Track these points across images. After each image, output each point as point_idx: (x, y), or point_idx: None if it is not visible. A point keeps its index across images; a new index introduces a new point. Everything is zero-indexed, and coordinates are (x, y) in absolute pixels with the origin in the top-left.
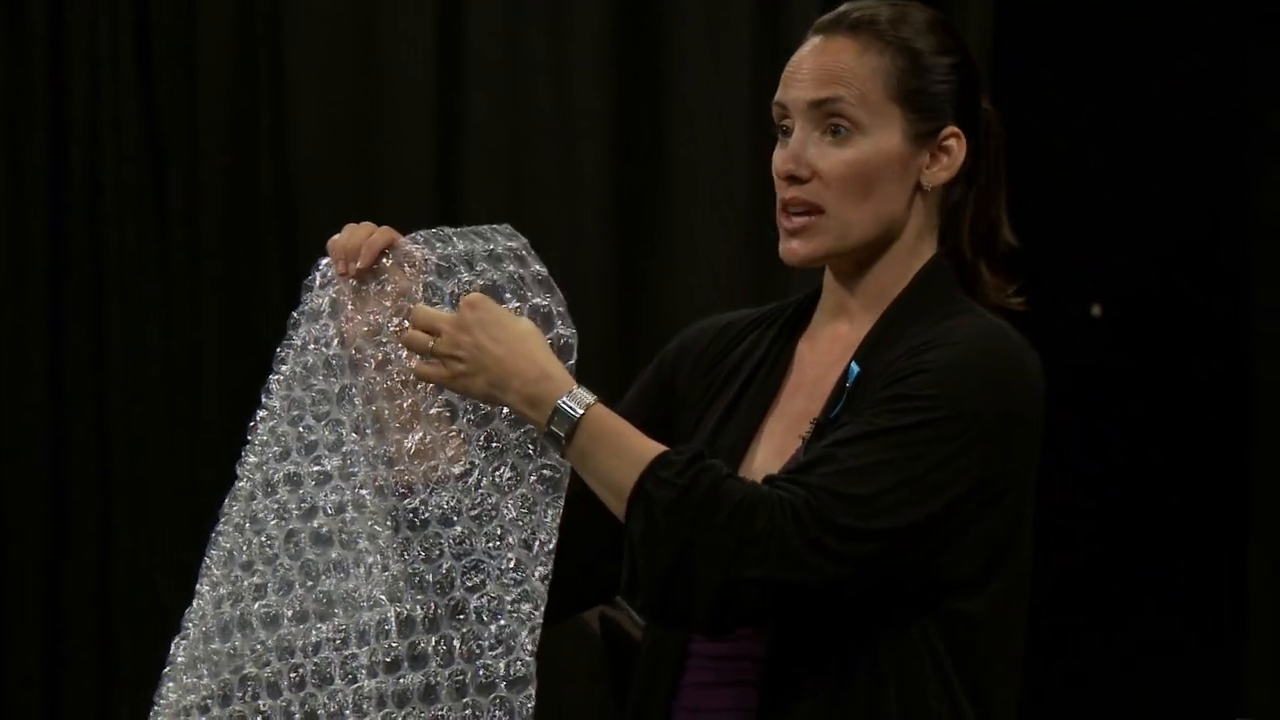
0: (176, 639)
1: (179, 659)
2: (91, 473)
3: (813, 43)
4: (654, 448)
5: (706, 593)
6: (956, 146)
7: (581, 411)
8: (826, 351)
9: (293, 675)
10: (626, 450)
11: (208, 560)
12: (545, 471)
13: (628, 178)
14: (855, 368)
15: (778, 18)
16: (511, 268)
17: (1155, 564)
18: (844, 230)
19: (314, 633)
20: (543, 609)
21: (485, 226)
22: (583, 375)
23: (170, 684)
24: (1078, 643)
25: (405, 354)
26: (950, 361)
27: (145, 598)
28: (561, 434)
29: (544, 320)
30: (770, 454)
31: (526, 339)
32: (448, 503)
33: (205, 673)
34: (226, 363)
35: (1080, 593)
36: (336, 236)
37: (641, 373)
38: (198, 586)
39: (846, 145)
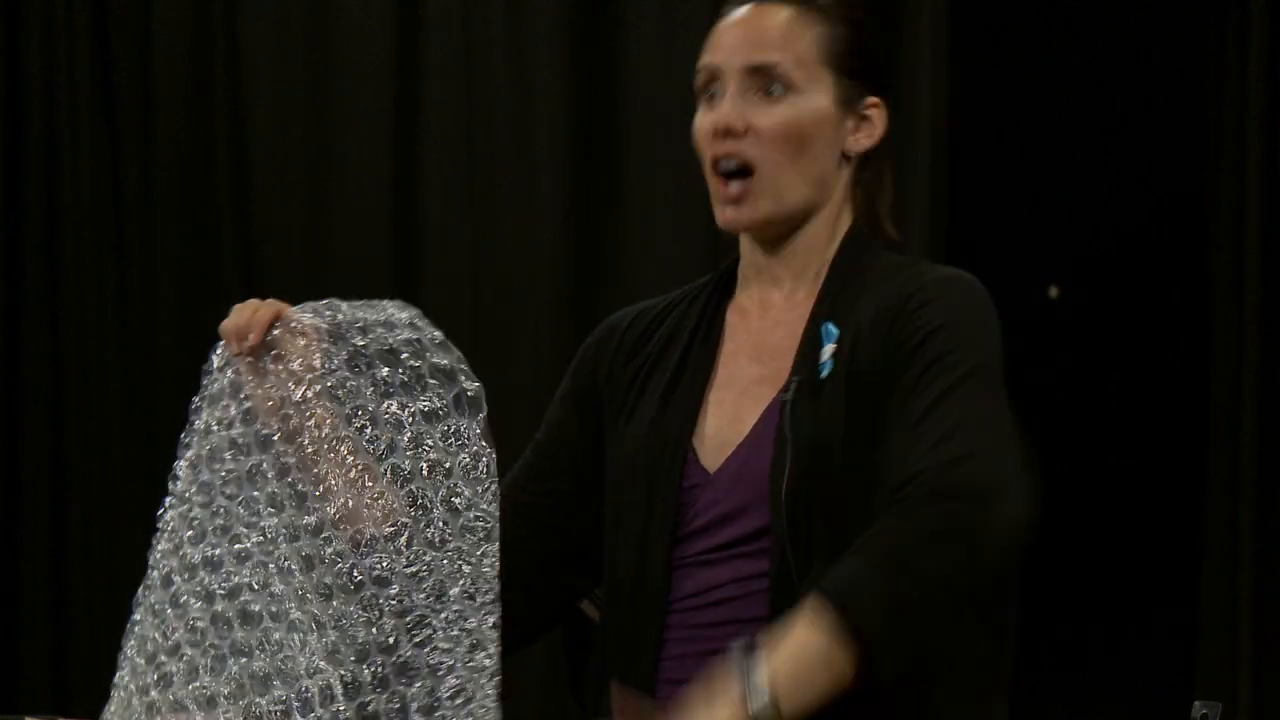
0: None
1: None
2: (45, 463)
3: (746, 8)
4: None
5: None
6: (877, 116)
7: (767, 691)
8: (760, 318)
9: None
10: (805, 660)
11: (127, 651)
12: (474, 523)
13: (585, 161)
14: (833, 330)
15: None
16: (406, 334)
17: (1113, 551)
18: (778, 192)
19: (254, 707)
20: (497, 655)
21: (377, 301)
22: (538, 361)
23: None
24: (1035, 627)
25: (314, 423)
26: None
27: (101, 580)
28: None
29: (447, 377)
30: (723, 419)
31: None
32: (382, 564)
33: None
34: (183, 350)
35: (1036, 576)
36: (225, 320)
37: (564, 378)
38: (116, 679)
39: (781, 103)
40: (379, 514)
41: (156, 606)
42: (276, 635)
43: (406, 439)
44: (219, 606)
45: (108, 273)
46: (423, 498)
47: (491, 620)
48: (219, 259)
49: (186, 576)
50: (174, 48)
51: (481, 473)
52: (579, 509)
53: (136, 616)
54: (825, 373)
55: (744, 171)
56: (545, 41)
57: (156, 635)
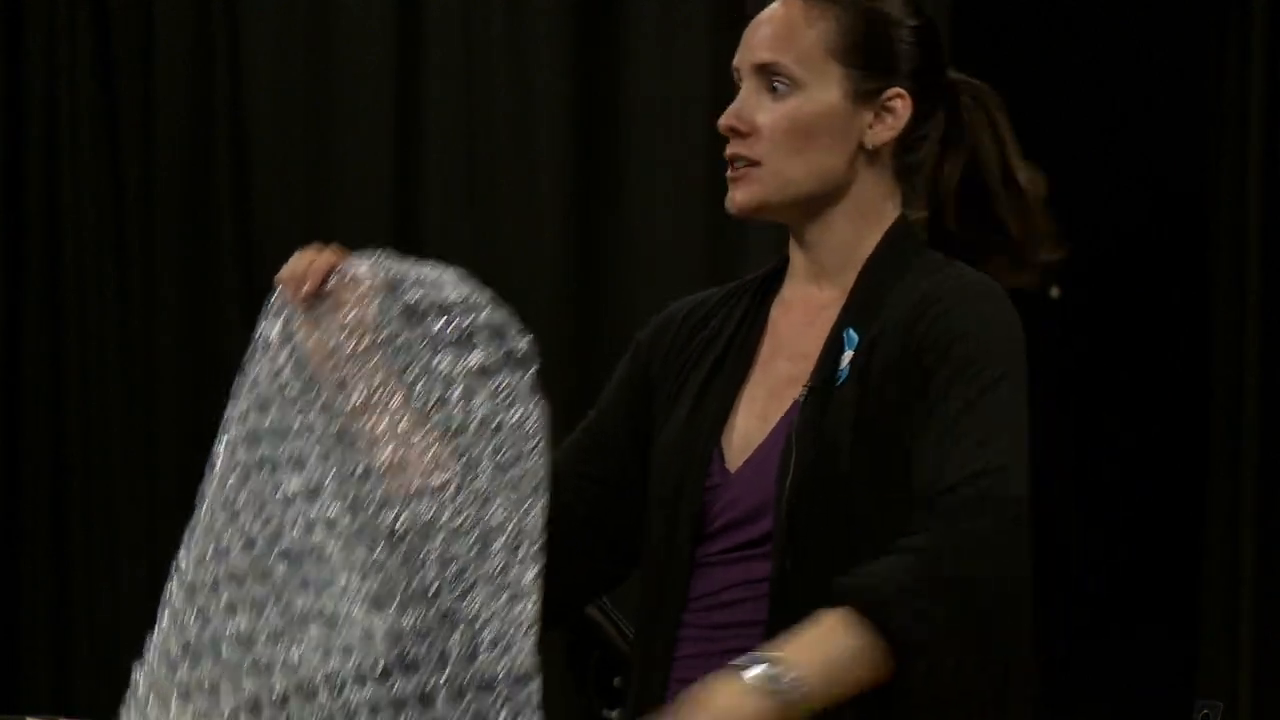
0: (137, 664)
1: (141, 686)
2: (45, 463)
3: (773, 5)
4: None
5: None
6: (900, 108)
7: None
8: (801, 314)
9: (272, 692)
10: (835, 653)
11: (170, 587)
12: (521, 479)
13: (586, 159)
14: (854, 335)
15: None
16: (455, 293)
17: (1114, 550)
18: (780, 181)
19: (293, 648)
20: (536, 608)
21: (422, 261)
22: (540, 359)
23: (134, 714)
24: (1035, 626)
25: (365, 375)
26: (981, 322)
27: (104, 584)
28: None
29: (497, 333)
30: (752, 418)
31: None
32: (426, 515)
33: (177, 696)
34: (183, 350)
35: (1035, 576)
36: (284, 267)
37: (618, 363)
38: (160, 613)
39: (785, 100)
40: (424, 466)
41: (199, 546)
42: (317, 579)
43: (457, 394)
44: (260, 548)
45: (108, 273)
46: (471, 453)
47: (532, 574)
48: (219, 259)
49: (230, 518)
50: (174, 48)
51: (530, 429)
52: (618, 497)
53: (180, 554)
54: (842, 380)
55: (751, 165)
56: (545, 41)
57: (196, 575)
